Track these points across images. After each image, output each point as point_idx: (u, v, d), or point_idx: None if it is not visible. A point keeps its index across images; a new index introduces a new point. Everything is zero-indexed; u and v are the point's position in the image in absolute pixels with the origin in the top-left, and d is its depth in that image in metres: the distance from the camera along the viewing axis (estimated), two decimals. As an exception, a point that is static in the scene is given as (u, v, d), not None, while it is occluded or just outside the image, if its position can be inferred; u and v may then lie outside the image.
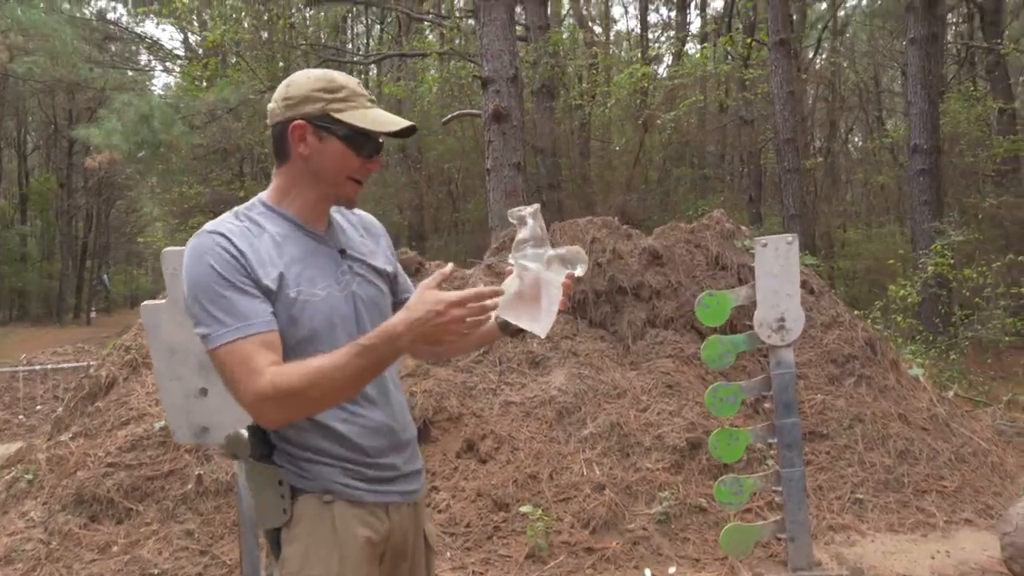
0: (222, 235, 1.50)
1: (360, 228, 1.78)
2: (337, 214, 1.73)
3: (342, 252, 1.66)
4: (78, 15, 23.76)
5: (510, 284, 1.57)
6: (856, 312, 7.74)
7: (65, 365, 9.40)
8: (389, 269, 1.75)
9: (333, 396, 1.46)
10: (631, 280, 5.42)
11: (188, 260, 1.50)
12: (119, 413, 5.19)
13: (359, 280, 1.65)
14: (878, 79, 22.58)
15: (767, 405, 4.36)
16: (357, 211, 1.81)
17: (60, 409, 5.75)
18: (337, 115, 1.56)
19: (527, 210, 1.63)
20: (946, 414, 5.15)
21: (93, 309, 32.19)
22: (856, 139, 26.01)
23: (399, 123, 1.61)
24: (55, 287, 32.67)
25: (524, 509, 4.10)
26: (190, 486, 4.57)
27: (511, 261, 1.60)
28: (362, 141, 1.60)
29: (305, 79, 1.59)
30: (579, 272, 1.62)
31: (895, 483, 4.52)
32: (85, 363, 9.22)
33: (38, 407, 9.04)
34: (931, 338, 8.32)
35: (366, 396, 1.60)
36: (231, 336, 1.43)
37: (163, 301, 2.70)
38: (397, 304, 1.74)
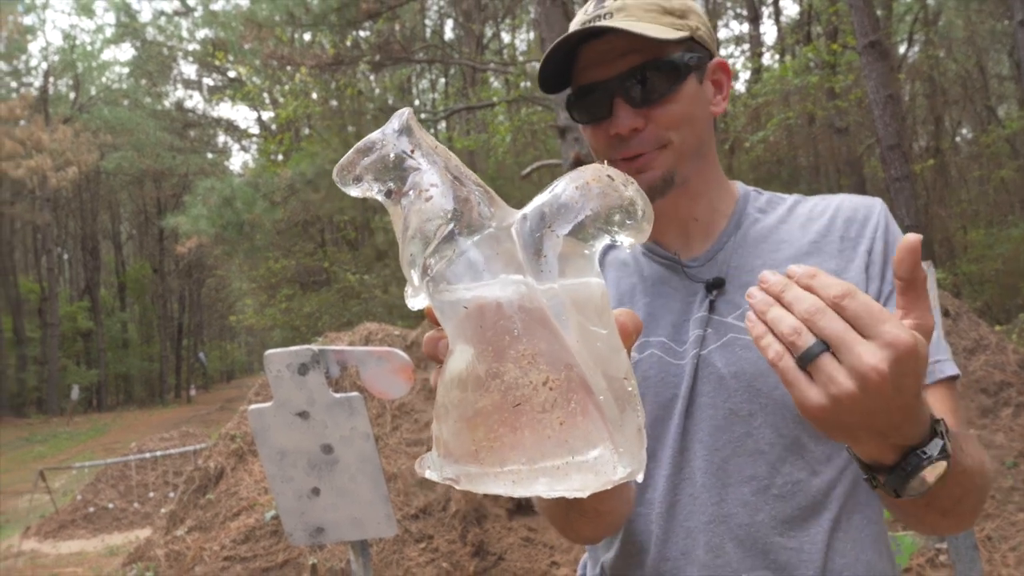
0: None
1: (824, 235, 0.98)
2: (792, 217, 1.02)
3: (713, 285, 0.96)
4: (159, 108, 25.22)
5: (450, 384, 0.51)
6: (998, 327, 6.96)
7: (173, 451, 9.52)
8: None
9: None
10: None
11: None
12: (230, 504, 5.06)
13: (728, 339, 0.94)
14: (983, 65, 21.01)
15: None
16: (843, 201, 1.01)
17: (173, 503, 5.66)
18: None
19: (391, 129, 0.55)
20: None
21: (192, 387, 33.31)
22: (964, 131, 24.29)
23: (580, 27, 0.94)
24: (156, 369, 34.08)
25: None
26: (307, 578, 4.38)
27: (426, 301, 0.54)
28: (573, 99, 1.00)
29: None
30: (627, 239, 0.50)
31: (1091, 527, 3.87)
32: (191, 447, 9.30)
33: (151, 494, 9.11)
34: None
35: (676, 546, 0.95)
36: None
37: (269, 405, 2.53)
38: None
